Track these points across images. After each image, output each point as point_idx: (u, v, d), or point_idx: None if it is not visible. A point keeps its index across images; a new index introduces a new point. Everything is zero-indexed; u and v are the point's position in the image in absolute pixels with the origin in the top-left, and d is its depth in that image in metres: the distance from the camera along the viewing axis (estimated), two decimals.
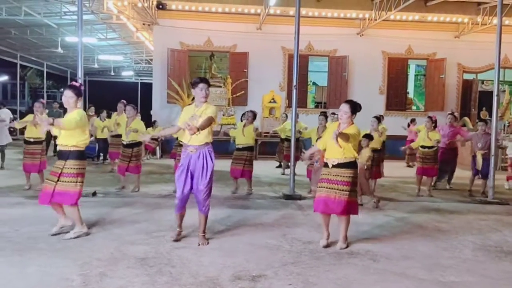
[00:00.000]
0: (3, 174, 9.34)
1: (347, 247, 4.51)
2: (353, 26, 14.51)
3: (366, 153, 6.62)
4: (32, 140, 7.45)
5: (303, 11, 12.35)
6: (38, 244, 4.37)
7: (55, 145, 11.25)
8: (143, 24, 14.97)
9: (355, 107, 4.51)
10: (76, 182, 4.58)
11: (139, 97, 29.12)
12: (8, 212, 5.78)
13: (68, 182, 4.54)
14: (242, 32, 14.15)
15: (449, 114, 9.01)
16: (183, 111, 4.73)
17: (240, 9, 13.76)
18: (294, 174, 7.54)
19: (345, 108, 4.49)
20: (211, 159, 4.48)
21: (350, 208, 4.44)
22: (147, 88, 24.53)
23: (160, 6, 13.48)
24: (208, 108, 4.46)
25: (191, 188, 4.48)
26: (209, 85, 4.58)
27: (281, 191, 7.65)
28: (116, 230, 4.97)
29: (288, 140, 10.17)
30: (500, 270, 4.06)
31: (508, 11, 12.64)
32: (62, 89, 37.78)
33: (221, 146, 11.82)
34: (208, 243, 4.55)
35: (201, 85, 4.46)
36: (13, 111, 24.54)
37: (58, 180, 4.52)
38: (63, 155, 4.58)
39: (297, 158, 10.04)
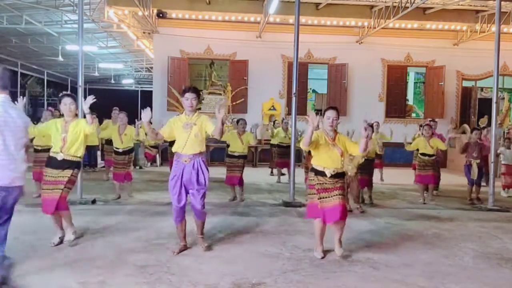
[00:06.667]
0: None
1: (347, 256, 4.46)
2: (352, 34, 14.59)
3: (356, 160, 6.55)
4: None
5: (303, 19, 12.46)
6: (37, 252, 4.37)
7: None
8: (144, 32, 15.05)
9: (339, 113, 4.52)
10: (71, 188, 4.74)
11: (139, 105, 29.17)
12: None
13: (69, 189, 4.66)
14: (242, 40, 14.22)
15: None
16: (170, 121, 4.59)
17: (240, 17, 13.84)
18: (294, 181, 7.53)
19: (334, 114, 4.40)
20: (206, 169, 4.44)
21: (346, 211, 4.44)
22: (147, 96, 24.56)
23: (160, 15, 13.56)
24: (202, 117, 4.45)
25: (186, 198, 4.46)
26: (198, 95, 4.47)
27: (281, 199, 7.64)
28: (116, 238, 4.96)
29: (279, 146, 10.21)
30: (501, 278, 4.04)
31: (506, 19, 12.71)
32: None
33: (220, 153, 11.89)
34: (208, 246, 4.58)
35: (186, 95, 4.42)
36: None
37: (64, 187, 4.58)
38: (70, 165, 4.63)
39: (287, 165, 10.02)
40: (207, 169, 4.46)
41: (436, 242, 5.20)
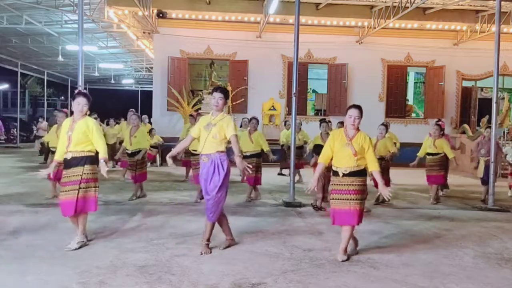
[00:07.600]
0: (2, 182, 9.33)
1: (348, 259, 4.38)
2: (352, 34, 14.61)
3: None
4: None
5: (303, 19, 12.47)
6: (37, 252, 4.36)
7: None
8: (144, 32, 15.06)
9: (362, 111, 4.40)
10: (95, 187, 4.63)
11: (139, 105, 29.20)
12: (8, 220, 5.77)
13: (89, 188, 4.56)
14: (242, 40, 14.24)
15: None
16: (199, 120, 4.71)
17: (240, 17, 13.86)
18: (294, 181, 7.53)
19: (356, 113, 4.33)
20: (223, 168, 4.41)
21: (361, 217, 4.35)
22: (148, 96, 24.61)
23: (161, 15, 13.57)
24: (224, 120, 4.44)
25: None
26: (225, 95, 4.51)
27: (281, 199, 7.64)
28: (116, 238, 4.96)
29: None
30: (501, 277, 4.04)
31: (506, 19, 12.73)
32: (62, 97, 37.91)
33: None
34: (210, 252, 4.50)
35: (214, 94, 4.48)
36: (13, 119, 24.74)
37: (79, 188, 4.49)
38: (79, 161, 4.53)
39: (298, 166, 9.99)
40: (224, 168, 4.40)
41: (436, 242, 5.20)
